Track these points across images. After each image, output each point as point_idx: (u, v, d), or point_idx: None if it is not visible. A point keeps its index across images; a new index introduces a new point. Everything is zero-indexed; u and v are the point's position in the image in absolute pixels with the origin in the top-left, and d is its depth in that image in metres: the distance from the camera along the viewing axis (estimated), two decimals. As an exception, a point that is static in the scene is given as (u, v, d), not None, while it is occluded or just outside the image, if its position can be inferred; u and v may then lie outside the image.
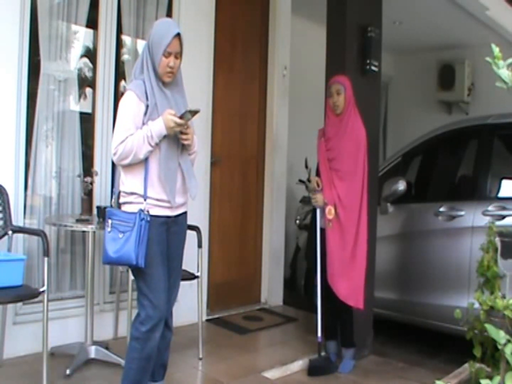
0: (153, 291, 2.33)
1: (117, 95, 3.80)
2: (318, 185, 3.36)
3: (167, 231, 2.41)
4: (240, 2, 4.60)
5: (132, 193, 2.36)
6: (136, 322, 2.36)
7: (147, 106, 2.33)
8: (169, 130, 2.30)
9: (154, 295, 2.34)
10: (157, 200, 2.36)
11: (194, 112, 2.34)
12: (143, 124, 2.33)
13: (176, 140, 2.39)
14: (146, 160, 2.33)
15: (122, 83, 3.92)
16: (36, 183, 3.45)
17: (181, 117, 2.31)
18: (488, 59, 1.46)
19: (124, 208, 2.37)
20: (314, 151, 3.51)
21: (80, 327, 3.32)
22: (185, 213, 2.52)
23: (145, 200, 2.33)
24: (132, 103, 2.33)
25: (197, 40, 4.12)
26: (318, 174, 3.50)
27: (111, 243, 2.30)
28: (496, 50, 1.44)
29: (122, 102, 2.37)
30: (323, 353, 3.45)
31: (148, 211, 2.30)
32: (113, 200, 2.59)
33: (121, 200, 2.38)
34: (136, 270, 2.36)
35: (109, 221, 2.33)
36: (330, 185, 3.32)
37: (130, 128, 2.30)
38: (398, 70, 7.74)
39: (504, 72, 1.42)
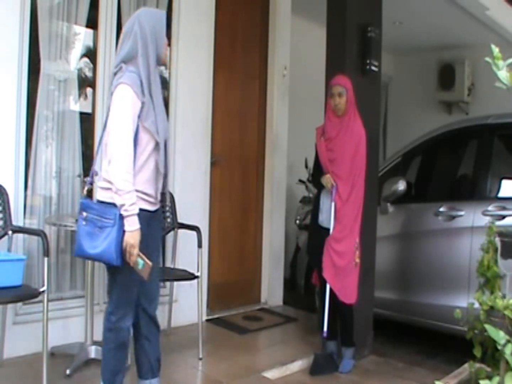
0: (128, 282, 2.36)
1: (117, 95, 3.80)
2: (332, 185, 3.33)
3: (147, 226, 2.40)
4: (240, 2, 4.60)
5: None
6: (107, 313, 2.42)
7: (142, 103, 2.29)
8: (133, 236, 2.24)
9: (128, 286, 2.37)
10: (143, 193, 2.35)
11: (147, 265, 2.30)
12: (138, 119, 2.28)
13: (163, 143, 2.39)
14: (135, 155, 2.30)
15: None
16: (36, 183, 3.45)
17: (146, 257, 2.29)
18: (487, 59, 1.46)
19: (104, 193, 2.32)
20: (314, 151, 3.52)
21: (80, 327, 3.32)
22: (159, 209, 2.52)
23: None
24: (131, 100, 2.27)
25: (197, 40, 4.13)
26: (315, 172, 3.53)
27: (86, 238, 2.29)
28: (495, 50, 1.43)
29: (120, 98, 2.28)
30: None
31: None
32: (85, 189, 2.50)
33: (103, 185, 2.33)
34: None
35: (84, 214, 2.31)
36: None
37: (131, 130, 2.26)
38: (398, 70, 7.74)
39: (502, 74, 1.42)
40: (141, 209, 2.33)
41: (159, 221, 2.56)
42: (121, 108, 2.27)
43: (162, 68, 4.17)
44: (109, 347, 2.40)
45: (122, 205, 2.23)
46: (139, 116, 2.29)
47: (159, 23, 2.41)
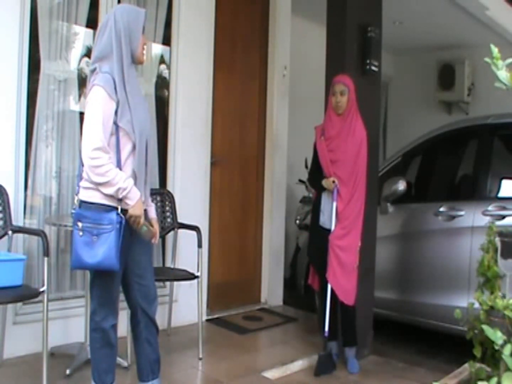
0: (108, 283, 2.36)
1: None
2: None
3: (131, 229, 2.38)
4: (240, 2, 4.60)
5: None
6: (90, 314, 2.41)
7: (117, 102, 2.27)
8: (137, 208, 2.29)
9: (107, 287, 2.37)
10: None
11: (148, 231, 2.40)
12: (115, 122, 2.27)
13: (144, 142, 2.38)
14: (119, 157, 2.30)
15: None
16: (36, 183, 3.45)
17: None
18: (487, 59, 1.46)
19: (86, 193, 2.32)
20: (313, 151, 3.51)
21: (80, 327, 3.32)
22: (145, 210, 2.49)
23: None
24: (102, 102, 2.25)
25: (197, 40, 4.13)
26: (312, 172, 3.52)
27: (84, 248, 2.24)
28: (495, 50, 1.43)
29: (92, 100, 2.27)
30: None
31: (122, 210, 2.28)
32: (75, 199, 2.47)
33: (84, 184, 2.32)
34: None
35: (80, 224, 2.26)
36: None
37: (102, 131, 2.23)
38: (398, 70, 7.74)
39: (502, 74, 1.42)
40: (126, 211, 2.32)
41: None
42: (92, 110, 2.27)
43: (162, 68, 4.18)
44: (95, 347, 2.40)
45: (117, 190, 2.23)
46: (116, 115, 2.27)
47: (135, 21, 2.36)
